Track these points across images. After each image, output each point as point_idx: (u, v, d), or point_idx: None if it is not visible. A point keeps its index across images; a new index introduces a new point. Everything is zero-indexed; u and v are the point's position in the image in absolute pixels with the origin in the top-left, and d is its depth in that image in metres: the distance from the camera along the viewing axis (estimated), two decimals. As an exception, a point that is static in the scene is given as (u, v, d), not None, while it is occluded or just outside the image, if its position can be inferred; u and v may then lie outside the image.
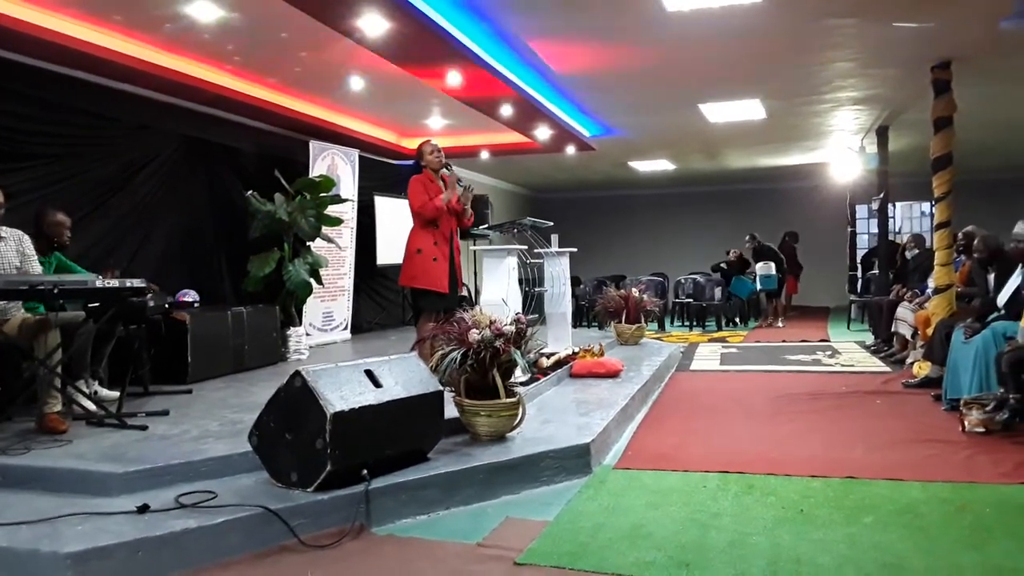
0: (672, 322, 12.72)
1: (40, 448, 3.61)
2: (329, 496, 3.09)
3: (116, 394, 4.62)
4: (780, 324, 11.82)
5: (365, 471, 3.19)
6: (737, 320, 12.41)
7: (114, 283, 4.06)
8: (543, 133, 9.06)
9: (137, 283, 4.17)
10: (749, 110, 8.70)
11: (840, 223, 13.01)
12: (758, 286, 11.92)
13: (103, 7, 5.08)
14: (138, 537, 2.68)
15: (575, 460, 3.81)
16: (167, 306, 5.51)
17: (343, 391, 3.23)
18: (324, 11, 4.93)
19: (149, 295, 4.63)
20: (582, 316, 11.38)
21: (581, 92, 7.85)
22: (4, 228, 4.17)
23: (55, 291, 3.77)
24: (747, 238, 12.12)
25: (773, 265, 11.69)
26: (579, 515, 3.26)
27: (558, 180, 15.26)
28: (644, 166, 13.27)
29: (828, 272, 14.12)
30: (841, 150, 10.87)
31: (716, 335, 10.89)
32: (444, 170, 5.33)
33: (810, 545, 2.88)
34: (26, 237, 4.30)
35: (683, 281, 12.67)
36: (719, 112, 8.81)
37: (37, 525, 2.77)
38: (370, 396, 3.32)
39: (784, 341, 9.70)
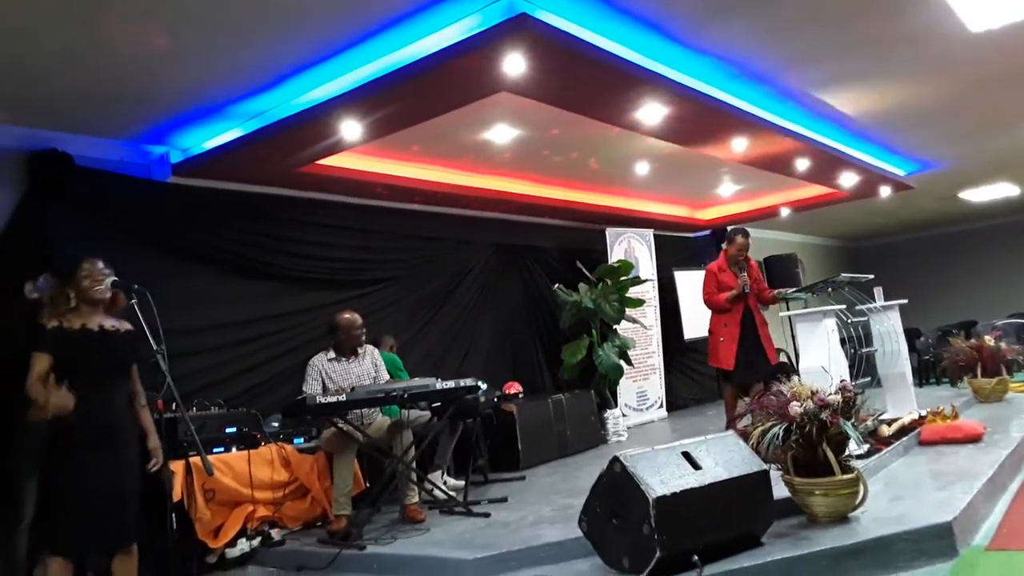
0: (1045, 369, 10.68)
1: (404, 537, 4.12)
2: (662, 583, 3.06)
3: (461, 483, 5.13)
4: None
5: (696, 557, 3.11)
6: None
7: (450, 384, 4.57)
8: (848, 180, 8.42)
9: (469, 382, 4.67)
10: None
11: None
12: None
13: (420, 148, 5.92)
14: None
15: (935, 542, 3.31)
16: (496, 400, 6.04)
17: (663, 475, 3.22)
18: (605, 111, 5.21)
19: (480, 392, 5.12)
20: (927, 373, 10.07)
21: (886, 132, 7.21)
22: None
23: (405, 395, 4.36)
24: None
25: None
26: (949, 608, 2.83)
27: (874, 225, 13.93)
28: (979, 195, 11.60)
29: None
30: None
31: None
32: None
33: None
34: (376, 351, 5.03)
35: (1052, 319, 10.67)
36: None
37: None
38: (691, 479, 3.26)
39: None
